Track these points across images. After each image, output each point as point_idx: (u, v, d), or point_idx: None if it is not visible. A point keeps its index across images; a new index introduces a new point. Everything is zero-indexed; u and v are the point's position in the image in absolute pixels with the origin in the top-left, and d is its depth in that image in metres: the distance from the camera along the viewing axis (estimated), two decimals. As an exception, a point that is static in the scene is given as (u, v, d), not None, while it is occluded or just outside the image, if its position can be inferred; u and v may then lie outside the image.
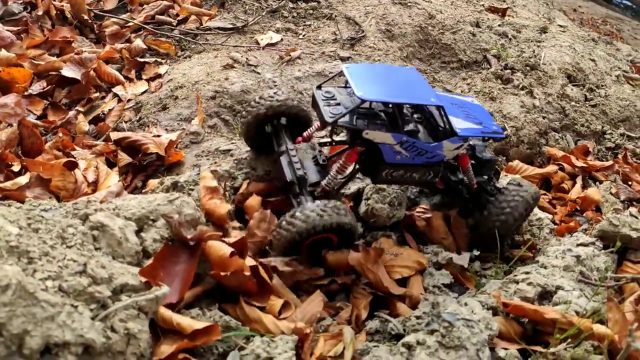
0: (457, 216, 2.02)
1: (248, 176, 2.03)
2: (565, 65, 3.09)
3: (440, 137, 1.71)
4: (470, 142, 1.85)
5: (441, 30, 3.27)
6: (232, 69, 2.81)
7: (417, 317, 1.45)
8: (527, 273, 1.60)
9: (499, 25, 3.48)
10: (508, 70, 3.01)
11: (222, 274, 1.36)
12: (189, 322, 1.31)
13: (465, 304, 1.43)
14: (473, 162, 1.88)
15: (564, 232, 2.02)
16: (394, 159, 1.68)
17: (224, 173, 2.00)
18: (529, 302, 1.51)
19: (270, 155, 1.94)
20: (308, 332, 1.34)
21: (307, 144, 1.88)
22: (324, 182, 1.72)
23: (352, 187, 2.11)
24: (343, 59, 3.01)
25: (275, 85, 2.73)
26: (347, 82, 1.68)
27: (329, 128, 1.74)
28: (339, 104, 1.67)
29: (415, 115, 1.76)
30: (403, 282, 1.73)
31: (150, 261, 1.40)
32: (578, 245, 1.73)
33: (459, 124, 1.75)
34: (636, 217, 1.81)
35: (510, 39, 3.35)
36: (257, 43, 3.12)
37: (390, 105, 1.65)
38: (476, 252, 1.89)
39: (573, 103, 2.93)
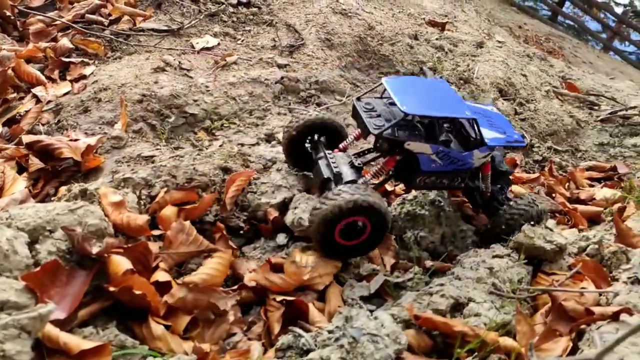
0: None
1: (167, 184, 1.95)
2: (498, 80, 3.18)
3: (471, 147, 1.87)
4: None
5: (380, 42, 3.30)
6: (163, 72, 2.71)
7: (330, 332, 1.41)
8: (441, 285, 1.59)
9: (437, 39, 3.55)
10: (443, 83, 3.06)
11: (112, 289, 1.27)
12: (76, 341, 1.21)
13: (376, 318, 1.40)
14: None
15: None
16: (429, 167, 1.82)
17: (140, 181, 1.90)
18: (440, 315, 1.50)
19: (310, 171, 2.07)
20: (207, 351, 1.27)
21: (343, 153, 1.98)
22: (360, 181, 1.81)
23: (278, 197, 2.06)
24: (280, 66, 2.97)
25: (208, 91, 2.66)
26: (383, 92, 1.88)
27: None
28: (379, 115, 1.81)
29: (445, 125, 1.87)
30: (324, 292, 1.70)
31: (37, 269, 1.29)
32: (493, 256, 1.75)
33: (487, 133, 1.90)
34: (551, 230, 1.86)
35: (446, 53, 3.43)
36: (192, 47, 3.03)
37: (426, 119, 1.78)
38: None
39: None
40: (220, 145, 2.38)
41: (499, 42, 4.48)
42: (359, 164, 1.92)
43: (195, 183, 1.98)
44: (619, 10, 21.23)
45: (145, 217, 1.66)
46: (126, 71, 2.73)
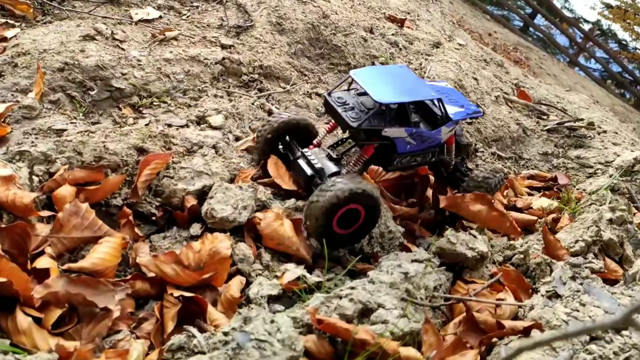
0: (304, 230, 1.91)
1: (71, 161, 1.77)
2: (448, 81, 3.12)
3: (438, 124, 2.02)
4: None
5: (333, 31, 3.18)
6: (92, 41, 2.51)
7: (224, 334, 1.29)
8: (352, 288, 1.50)
9: (393, 35, 3.46)
10: (393, 79, 2.98)
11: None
12: None
13: (272, 322, 1.29)
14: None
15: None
16: (405, 148, 1.97)
17: (38, 155, 1.72)
18: (347, 320, 1.41)
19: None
20: (72, 350, 1.12)
21: (319, 149, 2.08)
22: (343, 171, 1.95)
23: (198, 183, 1.92)
24: (224, 47, 2.81)
25: (140, 65, 2.47)
26: (350, 85, 2.03)
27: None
28: (353, 108, 1.91)
29: (411, 107, 2.00)
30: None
31: None
32: (413, 261, 1.66)
33: (450, 109, 2.05)
34: (475, 236, 1.79)
35: (400, 49, 3.34)
36: (130, 17, 2.83)
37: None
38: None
39: (451, 118, 2.95)
40: (146, 125, 2.21)
41: (459, 44, 4.44)
42: (337, 155, 2.04)
43: (104, 162, 1.81)
44: (586, 27, 21.89)
45: (31, 195, 1.49)
46: (52, 37, 2.51)
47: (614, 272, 2.04)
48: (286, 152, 2.14)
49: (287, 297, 1.65)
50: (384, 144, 1.93)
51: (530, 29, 17.30)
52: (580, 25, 19.63)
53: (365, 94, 1.93)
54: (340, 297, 1.47)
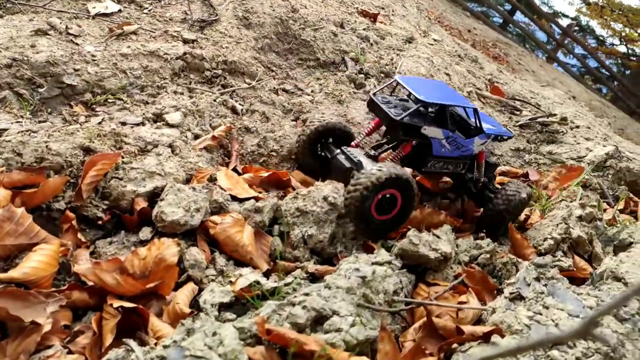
0: (262, 232, 1.83)
1: (9, 162, 1.66)
2: (419, 76, 3.06)
3: (472, 134, 2.13)
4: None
5: (302, 26, 3.09)
6: (45, 36, 2.38)
7: (165, 347, 1.20)
8: (306, 295, 1.41)
9: (364, 29, 3.39)
10: (362, 75, 2.90)
11: None
12: None
13: (214, 334, 1.20)
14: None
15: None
16: (439, 151, 2.06)
17: (-29, 156, 1.60)
18: (299, 329, 1.33)
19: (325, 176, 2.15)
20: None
21: (357, 148, 2.16)
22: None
23: (149, 185, 1.81)
24: (186, 41, 2.70)
25: (94, 60, 2.35)
26: (392, 91, 2.24)
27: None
28: (395, 107, 2.02)
29: (449, 112, 2.07)
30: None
31: None
32: (373, 263, 1.59)
33: (483, 124, 2.16)
34: (438, 237, 1.73)
35: (372, 44, 3.27)
36: (88, 11, 2.70)
37: (436, 107, 2.05)
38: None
39: (422, 115, 2.89)
40: (98, 123, 2.10)
41: (435, 40, 4.39)
42: (374, 154, 2.11)
43: (46, 164, 1.70)
44: (565, 22, 22.14)
45: (-44, 200, 1.38)
46: (1, 31, 2.38)
47: (582, 270, 2.00)
48: (323, 153, 2.24)
49: (241, 304, 1.56)
50: (421, 144, 2.03)
51: (510, 25, 17.43)
52: (559, 21, 19.86)
53: (406, 100, 2.12)
54: (293, 305, 1.39)
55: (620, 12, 19.95)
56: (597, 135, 3.21)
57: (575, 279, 1.98)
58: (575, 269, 2.00)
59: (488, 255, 1.86)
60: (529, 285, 1.54)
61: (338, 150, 2.12)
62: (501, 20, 18.62)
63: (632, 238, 2.11)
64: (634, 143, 9.21)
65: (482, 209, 2.27)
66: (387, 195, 1.81)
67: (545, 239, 2.12)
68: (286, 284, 1.67)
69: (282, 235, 1.89)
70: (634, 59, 20.32)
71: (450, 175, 2.29)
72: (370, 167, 1.83)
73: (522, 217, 2.45)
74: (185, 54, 2.57)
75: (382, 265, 1.59)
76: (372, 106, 2.07)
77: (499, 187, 2.26)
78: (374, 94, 2.09)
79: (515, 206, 2.16)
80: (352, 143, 2.22)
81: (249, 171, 2.15)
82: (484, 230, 2.15)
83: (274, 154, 2.36)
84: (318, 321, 1.38)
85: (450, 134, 2.04)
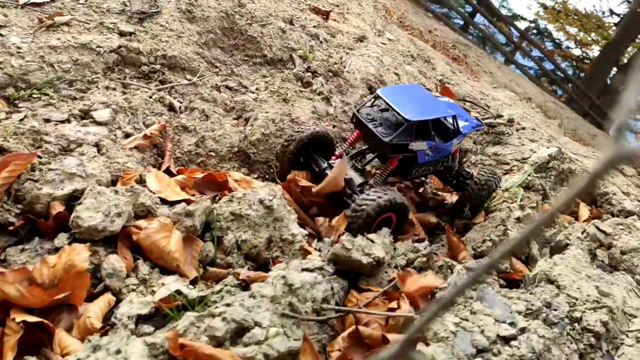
0: (192, 237, 1.74)
1: None
2: (368, 76, 3.03)
3: (451, 137, 2.27)
4: None
5: (249, 21, 3.00)
6: (-37, 26, 2.20)
7: (68, 365, 1.11)
8: (228, 305, 1.35)
9: (314, 27, 3.33)
10: (309, 74, 2.85)
11: None
12: None
13: (118, 352, 1.11)
14: None
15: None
16: (424, 159, 2.20)
17: None
18: (217, 343, 1.26)
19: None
20: None
21: (340, 160, 2.23)
22: (371, 182, 2.18)
23: (68, 187, 1.69)
24: (123, 34, 2.57)
25: (19, 53, 2.19)
26: (373, 102, 2.23)
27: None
28: (381, 124, 2.12)
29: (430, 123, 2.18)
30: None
31: None
32: (303, 270, 1.53)
33: (459, 123, 2.30)
34: (372, 241, 1.69)
35: (321, 42, 3.21)
36: (16, 0, 2.52)
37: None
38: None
39: (370, 115, 2.86)
40: (20, 120, 1.95)
41: (389, 39, 4.38)
42: (361, 167, 2.30)
43: (-51, 164, 1.56)
44: (524, 26, 22.82)
45: None
46: None
47: (519, 272, 2.01)
48: (308, 162, 2.30)
49: (162, 316, 1.47)
50: (407, 156, 2.15)
51: (470, 27, 17.81)
52: (517, 24, 20.44)
53: (386, 109, 2.19)
54: (213, 316, 1.32)
55: (575, 17, 20.74)
56: (542, 137, 3.27)
57: (512, 282, 1.99)
58: (512, 271, 2.01)
59: (425, 259, 1.84)
60: (460, 290, 1.52)
61: (325, 164, 2.24)
62: (462, 22, 19.02)
63: (569, 240, 2.14)
64: (584, 144, 9.57)
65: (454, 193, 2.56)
66: (385, 217, 1.99)
67: (484, 241, 2.13)
68: (214, 293, 1.59)
69: (214, 241, 1.81)
70: (588, 62, 21.17)
71: (433, 173, 2.45)
72: (371, 191, 1.99)
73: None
74: (120, 47, 2.44)
75: (313, 272, 1.54)
76: (358, 123, 2.16)
77: (469, 172, 2.49)
78: (358, 110, 2.18)
79: (493, 190, 2.38)
80: (337, 152, 2.32)
81: (183, 172, 2.06)
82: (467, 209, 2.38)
83: (212, 154, 2.27)
84: (239, 333, 1.31)
85: (433, 144, 2.17)
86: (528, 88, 13.62)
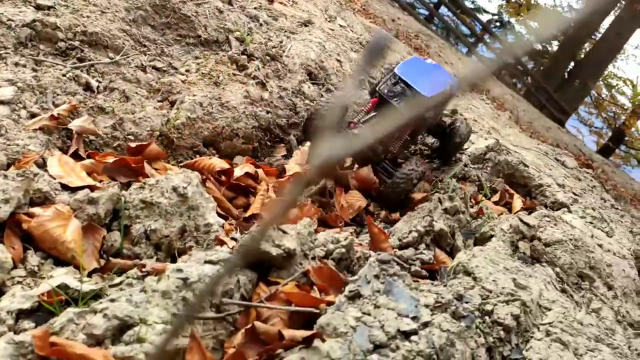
0: (95, 226, 1.63)
1: None
2: (309, 62, 2.94)
3: None
4: None
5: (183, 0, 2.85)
6: None
7: None
8: (112, 300, 1.25)
9: (255, 8, 3.21)
10: (245, 56, 2.73)
11: None
12: None
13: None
14: None
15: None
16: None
17: None
18: (96, 342, 1.16)
19: None
20: None
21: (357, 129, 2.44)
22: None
23: (-48, 171, 1.54)
24: (41, 7, 2.38)
25: None
26: (386, 75, 2.62)
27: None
28: (399, 101, 2.43)
29: None
30: None
31: None
32: (206, 262, 1.45)
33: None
34: (284, 232, 1.62)
35: (261, 24, 3.10)
36: None
37: None
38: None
39: (307, 101, 2.78)
40: None
41: (341, 25, 4.30)
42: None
43: None
44: (487, 18, 23.17)
45: None
46: None
47: (442, 263, 1.99)
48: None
49: (48, 311, 1.36)
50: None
51: (435, 18, 17.94)
52: (480, 17, 20.73)
53: (397, 83, 2.48)
54: (95, 312, 1.22)
55: (536, 12, 21.23)
56: (482, 129, 3.28)
57: (435, 272, 1.97)
58: (435, 262, 1.99)
59: (344, 250, 1.78)
60: (369, 282, 1.48)
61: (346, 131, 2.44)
62: (427, 13, 19.12)
63: (493, 231, 2.14)
64: (538, 137, 9.79)
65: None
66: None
67: (410, 232, 2.10)
68: (112, 286, 1.49)
69: (121, 230, 1.70)
70: (547, 56, 21.73)
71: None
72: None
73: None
74: (34, 21, 2.26)
75: (216, 264, 1.46)
76: (382, 101, 2.44)
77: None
78: (379, 88, 2.48)
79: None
80: (355, 120, 2.46)
81: (94, 156, 1.93)
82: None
83: (131, 137, 2.14)
84: (123, 330, 1.22)
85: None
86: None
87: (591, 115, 20.06)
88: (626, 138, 18.76)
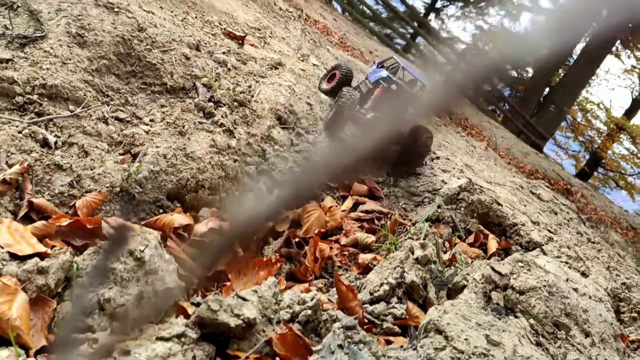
0: (45, 298, 1.53)
1: None
2: (278, 106, 2.91)
3: None
4: None
5: (149, 47, 2.82)
6: None
7: None
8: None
9: (224, 53, 3.19)
10: (212, 103, 2.69)
11: None
12: None
13: None
14: None
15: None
16: None
17: None
18: None
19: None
20: None
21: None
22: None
23: None
24: (-2, 61, 2.32)
25: None
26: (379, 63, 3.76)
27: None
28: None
29: None
30: None
31: None
32: (157, 338, 1.36)
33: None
34: (244, 299, 1.54)
35: (229, 69, 3.07)
36: None
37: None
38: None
39: (277, 147, 2.74)
40: None
41: (314, 64, 4.31)
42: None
43: None
44: (462, 47, 23.75)
45: None
46: None
47: (415, 318, 1.92)
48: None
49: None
50: None
51: (412, 48, 18.34)
52: (456, 46, 21.28)
53: (383, 67, 3.53)
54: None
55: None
56: (454, 167, 3.27)
57: (407, 329, 1.90)
58: (408, 317, 1.92)
59: (310, 312, 1.71)
60: (332, 353, 1.40)
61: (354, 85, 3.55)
62: (404, 43, 19.56)
63: (466, 280, 2.09)
64: (516, 164, 9.89)
65: None
66: None
67: (381, 284, 2.03)
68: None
69: (73, 301, 1.60)
70: (523, 82, 22.28)
71: None
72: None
73: (368, 257, 2.36)
74: (-10, 76, 2.19)
75: (169, 341, 1.37)
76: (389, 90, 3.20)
77: None
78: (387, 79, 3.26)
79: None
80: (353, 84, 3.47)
81: (47, 219, 1.84)
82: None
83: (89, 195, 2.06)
84: None
85: None
86: (465, 108, 14.09)
87: (568, 139, 20.48)
88: (603, 161, 19.14)
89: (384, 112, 3.13)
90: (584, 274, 2.65)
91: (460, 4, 22.96)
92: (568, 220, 3.94)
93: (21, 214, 1.81)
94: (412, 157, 3.17)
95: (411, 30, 19.93)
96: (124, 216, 2.09)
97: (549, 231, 3.12)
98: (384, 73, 3.30)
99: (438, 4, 23.76)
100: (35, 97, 2.29)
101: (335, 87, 3.40)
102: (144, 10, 3.06)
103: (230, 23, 3.88)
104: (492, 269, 2.04)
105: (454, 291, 2.08)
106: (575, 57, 18.91)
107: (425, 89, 3.32)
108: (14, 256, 1.63)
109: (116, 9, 2.86)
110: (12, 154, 2.00)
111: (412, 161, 3.19)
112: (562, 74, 19.71)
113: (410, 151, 3.15)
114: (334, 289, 2.15)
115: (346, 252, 2.39)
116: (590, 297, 2.34)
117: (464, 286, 2.08)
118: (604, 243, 4.13)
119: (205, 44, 3.17)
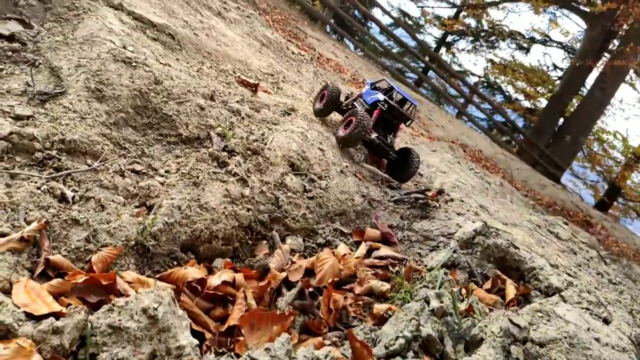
0: (60, 358, 1.53)
1: None
2: (290, 153, 2.95)
3: None
4: None
5: (165, 99, 2.91)
6: None
7: None
8: None
9: (237, 102, 3.27)
10: (226, 153, 2.74)
11: None
12: None
13: None
14: None
15: None
16: None
17: None
18: None
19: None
20: None
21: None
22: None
23: None
24: (20, 118, 2.41)
25: None
26: (373, 84, 4.08)
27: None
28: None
29: None
30: None
31: None
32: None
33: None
34: (256, 360, 1.52)
35: (243, 118, 3.15)
36: None
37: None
38: None
39: (290, 194, 2.76)
40: None
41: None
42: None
43: None
44: (474, 80, 23.91)
45: None
46: None
47: (432, 375, 1.87)
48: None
49: None
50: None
51: (424, 82, 18.55)
52: (468, 79, 21.47)
53: (377, 89, 3.89)
54: None
55: (521, 72, 21.98)
56: (469, 209, 3.25)
57: (425, 385, 1.85)
58: (425, 374, 1.87)
59: (324, 371, 1.68)
60: (347, 419, 1.36)
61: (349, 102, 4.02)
62: (416, 77, 19.80)
63: (484, 333, 2.04)
64: (533, 196, 9.74)
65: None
66: None
67: (397, 337, 1.99)
68: None
69: (86, 360, 1.61)
70: (536, 113, 22.26)
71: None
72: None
73: (383, 307, 2.32)
74: (11, 133, 2.28)
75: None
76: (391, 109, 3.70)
77: None
78: (384, 101, 3.69)
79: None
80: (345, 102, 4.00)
81: (64, 275, 1.86)
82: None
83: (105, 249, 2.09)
84: None
85: None
86: (479, 140, 14.06)
87: (585, 169, 20.22)
88: (622, 190, 18.79)
89: (381, 132, 3.73)
90: (605, 321, 2.56)
91: (471, 38, 23.28)
92: (588, 260, 3.84)
93: (38, 271, 1.84)
94: (404, 170, 3.62)
95: (422, 65, 20.19)
96: (139, 270, 2.11)
97: (569, 274, 3.04)
98: (380, 96, 3.68)
99: (449, 39, 24.14)
100: (54, 152, 2.36)
101: (325, 104, 3.80)
102: (161, 63, 3.17)
103: (244, 70, 3.99)
104: (511, 321, 1.99)
105: (471, 344, 2.03)
106: (588, 87, 18.88)
107: (415, 109, 3.85)
108: (30, 316, 1.65)
109: (134, 64, 2.97)
110: (30, 210, 2.05)
111: (404, 172, 3.61)
112: (575, 104, 19.64)
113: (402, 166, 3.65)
114: (347, 343, 2.11)
115: (360, 302, 2.35)
116: (613, 347, 2.25)
117: (482, 339, 2.02)
118: (625, 281, 4.01)
119: (220, 93, 3.25)
